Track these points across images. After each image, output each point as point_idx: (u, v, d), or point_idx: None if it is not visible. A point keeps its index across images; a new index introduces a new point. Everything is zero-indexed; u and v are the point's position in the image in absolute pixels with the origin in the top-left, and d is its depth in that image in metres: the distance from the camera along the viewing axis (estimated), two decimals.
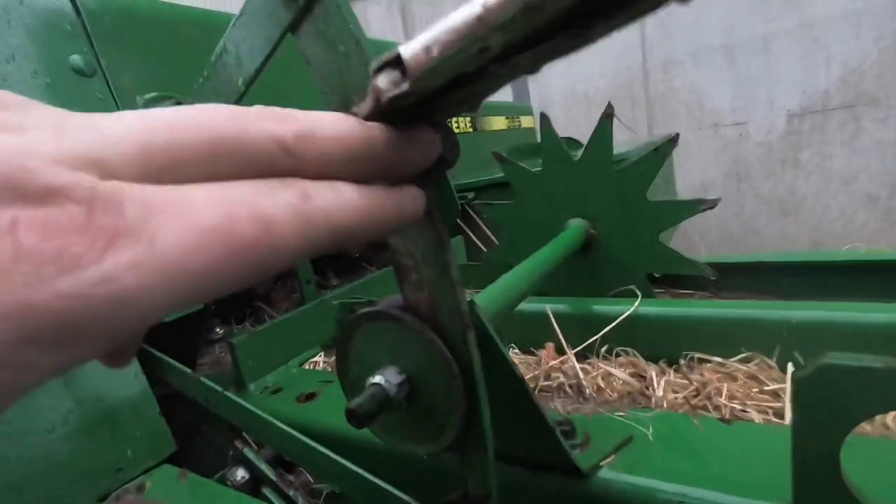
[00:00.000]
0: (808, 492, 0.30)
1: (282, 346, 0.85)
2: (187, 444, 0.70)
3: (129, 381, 0.62)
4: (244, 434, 0.71)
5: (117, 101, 0.69)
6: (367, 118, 0.24)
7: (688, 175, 3.60)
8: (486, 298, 0.52)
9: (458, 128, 2.63)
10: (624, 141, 3.59)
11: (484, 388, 0.35)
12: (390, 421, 0.38)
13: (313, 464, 0.56)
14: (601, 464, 0.44)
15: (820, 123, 3.16)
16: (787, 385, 0.49)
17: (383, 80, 0.24)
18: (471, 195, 1.60)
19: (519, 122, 3.36)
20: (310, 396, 0.73)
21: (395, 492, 0.48)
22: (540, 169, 0.79)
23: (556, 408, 0.54)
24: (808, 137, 3.20)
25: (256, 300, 1.13)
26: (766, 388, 0.50)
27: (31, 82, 0.61)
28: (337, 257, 1.28)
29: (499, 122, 3.10)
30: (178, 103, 0.73)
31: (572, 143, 3.55)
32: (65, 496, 0.54)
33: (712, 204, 0.69)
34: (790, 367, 0.51)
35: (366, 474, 0.50)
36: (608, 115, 0.72)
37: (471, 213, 1.45)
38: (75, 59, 0.66)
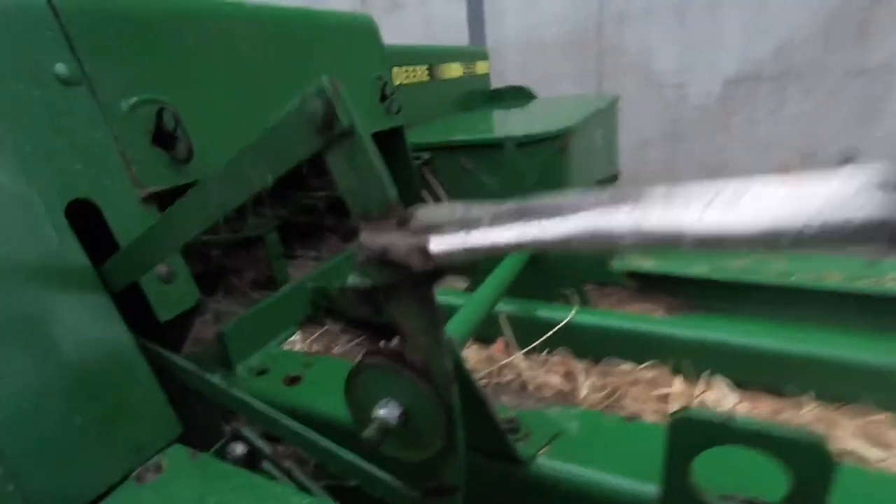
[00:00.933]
0: (672, 488, 0.47)
1: (264, 328, 0.95)
2: (182, 421, 0.80)
3: (141, 374, 0.70)
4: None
5: (103, 109, 0.71)
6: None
7: (630, 132, 3.77)
8: (457, 324, 0.64)
9: (415, 76, 2.61)
10: (572, 94, 3.65)
11: (461, 418, 0.48)
12: (390, 437, 0.51)
13: (303, 444, 0.69)
14: (537, 454, 0.60)
15: (752, 91, 3.38)
16: (673, 389, 0.67)
17: (415, 259, 0.34)
18: (426, 155, 1.67)
19: (474, 68, 3.34)
20: (294, 379, 0.84)
21: (374, 470, 0.62)
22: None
23: (505, 403, 0.69)
24: (739, 104, 3.43)
25: (227, 272, 1.20)
26: (659, 392, 0.67)
27: (16, 94, 0.62)
28: (300, 226, 1.34)
29: (455, 70, 3.08)
30: (162, 109, 0.75)
31: (522, 91, 3.59)
32: (93, 474, 0.64)
33: (615, 177, 0.82)
34: (678, 378, 0.69)
35: (347, 454, 0.63)
36: (612, 181, 0.82)
37: (427, 174, 1.52)
38: (60, 67, 0.66)
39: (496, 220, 0.31)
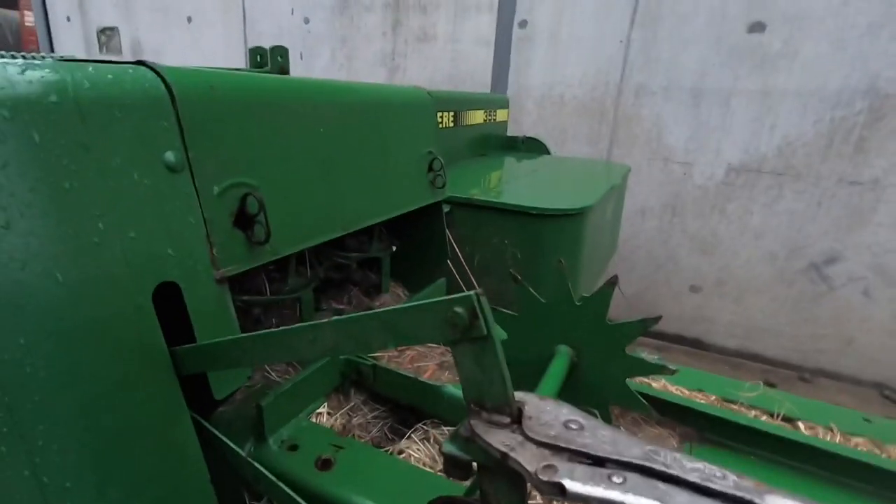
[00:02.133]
0: None
1: (296, 400, 0.97)
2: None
3: (195, 465, 0.72)
4: None
5: (199, 192, 0.74)
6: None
7: (633, 198, 3.91)
8: None
9: (441, 123, 2.69)
10: (586, 159, 3.77)
11: None
12: None
13: None
14: None
15: (751, 181, 3.55)
16: None
17: (546, 489, 0.38)
18: (447, 208, 1.73)
19: (495, 115, 3.45)
20: (326, 463, 0.87)
21: None
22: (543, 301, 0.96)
23: None
24: (738, 191, 3.60)
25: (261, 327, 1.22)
26: None
27: (130, 183, 0.65)
28: (328, 281, 1.37)
29: (478, 117, 3.18)
30: (249, 194, 0.79)
31: (537, 144, 3.70)
32: None
33: (656, 321, 0.88)
34: None
35: None
36: (612, 283, 0.89)
37: (455, 248, 1.58)
38: (169, 156, 0.69)
39: (632, 487, 0.36)
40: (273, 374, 1.12)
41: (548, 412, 0.47)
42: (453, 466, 0.50)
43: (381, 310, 0.49)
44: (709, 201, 3.69)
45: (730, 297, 3.78)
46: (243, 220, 0.81)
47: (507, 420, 0.46)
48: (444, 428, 0.99)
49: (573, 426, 0.44)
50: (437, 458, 0.91)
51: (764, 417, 1.03)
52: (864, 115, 3.15)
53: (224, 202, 0.78)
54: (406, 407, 1.08)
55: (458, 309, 0.44)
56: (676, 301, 3.90)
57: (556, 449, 0.42)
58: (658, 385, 1.11)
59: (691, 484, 0.36)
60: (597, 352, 0.93)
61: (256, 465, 0.74)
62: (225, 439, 0.74)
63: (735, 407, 1.07)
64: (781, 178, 3.45)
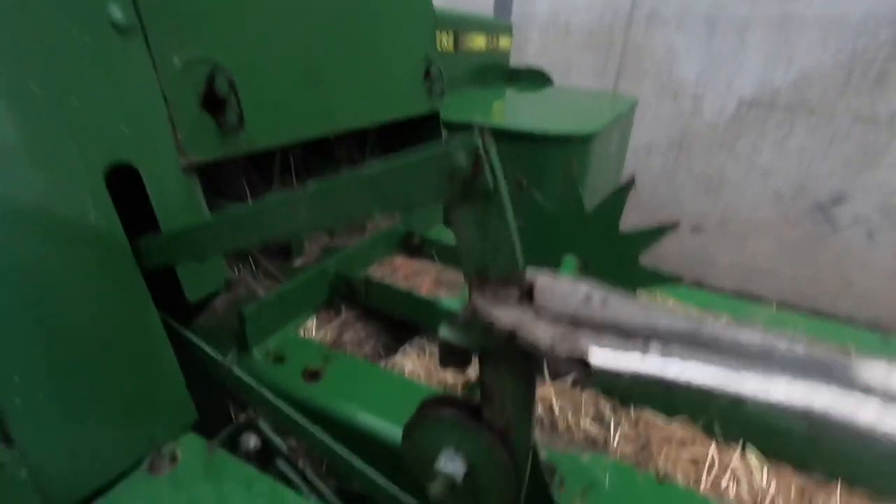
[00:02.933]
0: None
1: (282, 311, 0.91)
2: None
3: (165, 359, 0.66)
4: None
5: (156, 62, 0.63)
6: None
7: (640, 135, 3.76)
8: None
9: (440, 45, 2.51)
10: (591, 90, 3.59)
11: (525, 485, 0.47)
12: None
13: (322, 449, 0.67)
14: None
15: (763, 117, 3.40)
16: (709, 454, 0.68)
17: (566, 367, 0.31)
18: (447, 133, 1.62)
19: (497, 42, 3.24)
20: (314, 374, 0.81)
21: (393, 489, 0.61)
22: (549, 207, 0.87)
23: (537, 439, 0.69)
24: (748, 127, 3.45)
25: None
26: (690, 453, 0.68)
27: (68, 40, 0.54)
28: None
29: (479, 42, 2.99)
30: (216, 70, 0.69)
31: (541, 75, 3.52)
32: (106, 461, 0.60)
33: (674, 227, 0.80)
34: (712, 444, 0.70)
35: (367, 469, 0.62)
36: (628, 186, 0.80)
37: None
38: (115, 12, 0.58)
39: (677, 356, 0.28)
40: (259, 288, 1.05)
41: (564, 287, 0.39)
42: (450, 355, 0.43)
43: (364, 170, 0.41)
44: (717, 138, 3.54)
45: (732, 239, 3.71)
46: (212, 102, 0.70)
47: (515, 294, 0.39)
48: None
49: (596, 299, 0.37)
50: (432, 370, 0.86)
51: None
52: (888, 46, 2.96)
53: (188, 78, 0.67)
54: (400, 323, 1.02)
55: (459, 156, 0.35)
56: (677, 241, 3.84)
57: (576, 322, 0.34)
58: (667, 305, 1.05)
59: (752, 351, 0.28)
60: (607, 262, 0.85)
61: (237, 371, 0.68)
62: (201, 343, 0.67)
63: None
64: (794, 113, 3.29)
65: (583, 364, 0.30)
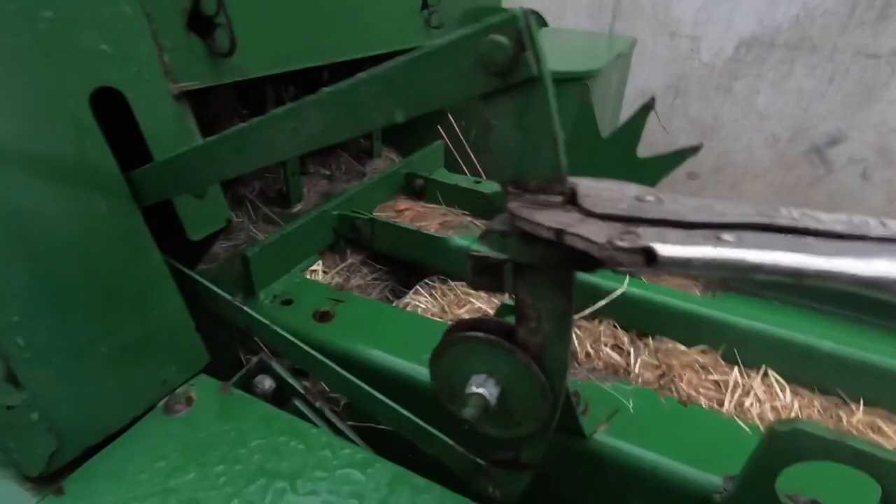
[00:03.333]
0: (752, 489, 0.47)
1: (287, 254, 0.87)
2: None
3: (170, 300, 0.63)
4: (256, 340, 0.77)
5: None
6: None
7: (636, 79, 3.65)
8: None
9: None
10: (586, 32, 3.46)
11: (560, 407, 0.46)
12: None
13: (342, 385, 0.65)
14: (598, 430, 0.60)
15: (762, 57, 3.31)
16: (731, 378, 0.67)
17: (629, 259, 0.28)
18: None
19: None
20: (325, 315, 0.79)
21: (429, 427, 0.60)
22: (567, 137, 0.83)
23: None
24: (747, 67, 3.36)
25: (236, 184, 1.09)
26: (712, 377, 0.68)
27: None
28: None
29: None
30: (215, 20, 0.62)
31: (534, 16, 3.41)
32: (118, 404, 0.59)
33: (696, 150, 0.77)
34: (734, 369, 0.69)
35: (389, 402, 0.60)
36: (647, 107, 0.75)
37: (449, 117, 1.41)
38: None
39: (753, 243, 0.26)
40: (260, 235, 1.01)
41: (611, 190, 0.36)
42: (482, 272, 0.40)
43: (384, 66, 0.36)
44: (714, 80, 3.45)
45: (726, 184, 3.69)
46: (199, 21, 0.64)
47: (558, 199, 0.36)
48: (452, 283, 0.90)
49: (649, 198, 0.34)
50: (446, 308, 0.84)
51: None
52: None
53: None
54: (408, 265, 1.00)
55: (498, 37, 0.31)
56: (672, 188, 3.80)
57: (632, 221, 0.31)
58: None
59: (837, 234, 0.26)
60: None
61: (247, 309, 0.65)
62: (206, 283, 0.64)
63: None
64: (795, 52, 3.20)
65: (649, 254, 0.27)
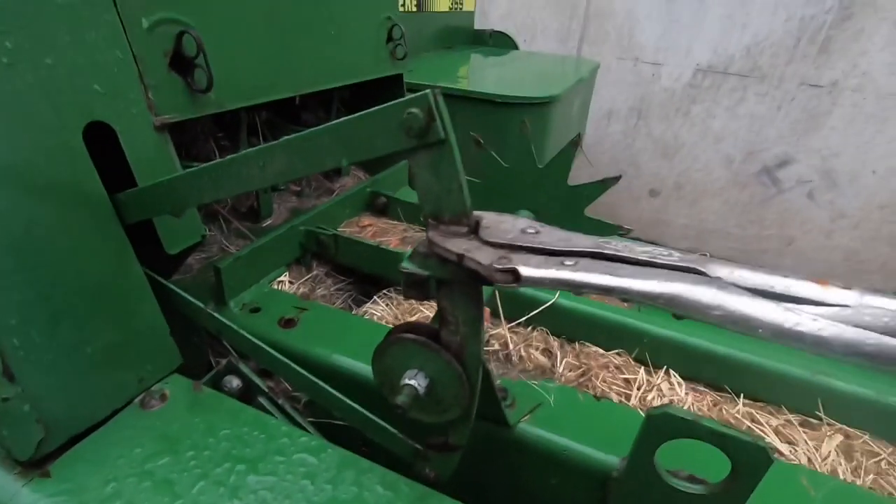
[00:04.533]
0: (637, 463, 0.58)
1: (256, 266, 0.96)
2: None
3: (148, 306, 0.71)
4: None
5: (124, 23, 0.65)
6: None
7: (600, 101, 3.85)
8: None
9: (403, 6, 2.50)
10: (555, 55, 3.62)
11: (477, 395, 0.56)
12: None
13: (301, 383, 0.74)
14: (521, 420, 0.70)
15: (717, 84, 3.53)
16: (639, 377, 0.79)
17: (500, 277, 0.39)
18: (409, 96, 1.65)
19: (461, 4, 3.24)
20: (289, 322, 0.88)
21: (376, 418, 0.69)
22: (507, 165, 0.94)
23: (493, 369, 0.78)
24: (703, 93, 3.59)
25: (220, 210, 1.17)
26: (623, 376, 0.79)
27: (42, 5, 0.57)
28: None
29: (443, 3, 2.98)
30: (184, 32, 0.71)
31: (505, 39, 3.53)
32: (99, 399, 0.66)
33: (616, 180, 0.89)
34: (642, 368, 0.81)
35: (345, 399, 0.70)
36: (574, 143, 0.87)
37: None
38: None
39: (583, 267, 0.36)
40: (232, 248, 1.09)
41: (506, 222, 0.47)
42: (411, 285, 0.50)
43: (333, 122, 0.46)
44: (674, 104, 3.67)
45: (686, 201, 3.90)
46: (181, 62, 0.73)
47: (464, 230, 0.46)
48: None
49: (530, 230, 0.45)
50: (399, 316, 0.94)
51: None
52: (833, 13, 3.10)
53: (156, 39, 0.70)
54: (369, 277, 1.09)
55: (414, 110, 0.42)
56: (636, 205, 4.01)
57: (511, 247, 0.42)
58: None
59: (639, 261, 0.37)
60: (556, 215, 0.94)
61: (218, 316, 0.73)
62: (181, 292, 0.73)
63: None
64: (746, 80, 3.43)
65: (514, 275, 0.38)
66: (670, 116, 3.76)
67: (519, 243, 0.42)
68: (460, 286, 0.49)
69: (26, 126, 0.57)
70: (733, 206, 3.84)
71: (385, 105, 0.43)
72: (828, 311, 0.29)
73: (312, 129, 0.48)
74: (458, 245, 0.44)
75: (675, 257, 0.36)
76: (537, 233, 0.44)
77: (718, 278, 0.33)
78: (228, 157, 0.54)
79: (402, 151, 0.44)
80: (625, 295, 0.34)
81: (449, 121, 0.43)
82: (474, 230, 0.46)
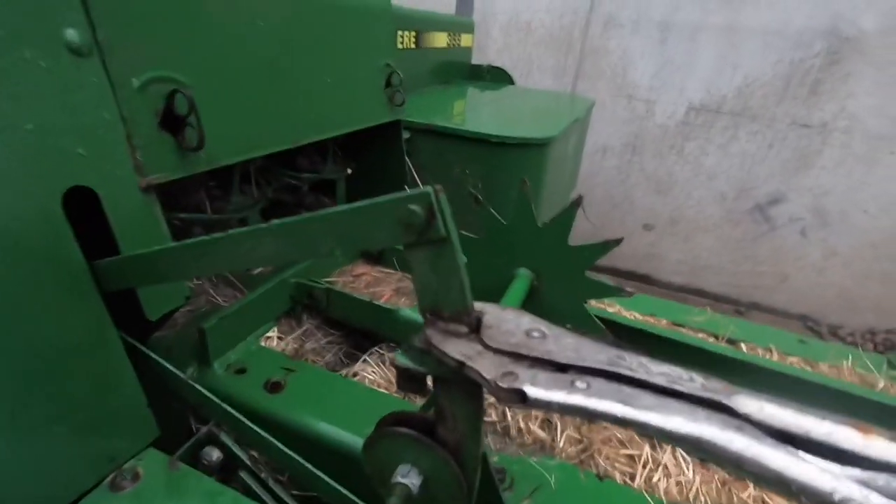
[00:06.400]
0: None
1: (244, 322, 0.92)
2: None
3: (126, 379, 0.67)
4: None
5: (113, 84, 0.63)
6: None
7: (596, 137, 3.89)
8: None
9: (402, 43, 2.52)
10: (550, 91, 3.67)
11: (475, 495, 0.52)
12: None
13: (284, 460, 0.69)
14: None
15: (709, 122, 3.59)
16: (643, 453, 0.75)
17: (506, 398, 0.35)
18: (406, 134, 1.64)
19: (459, 40, 3.28)
20: (276, 386, 0.84)
21: (354, 498, 0.65)
22: (505, 223, 0.92)
23: (489, 444, 0.74)
24: (696, 131, 3.64)
25: None
26: (626, 452, 0.75)
27: (21, 63, 0.54)
28: (278, 204, 1.28)
29: (441, 40, 3.01)
30: (176, 91, 0.69)
31: (502, 74, 3.57)
32: (66, 481, 0.61)
33: (617, 242, 0.86)
34: (646, 445, 0.77)
35: (328, 479, 0.65)
36: (576, 204, 0.85)
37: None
38: (71, 34, 0.58)
39: (596, 391, 0.33)
40: (219, 298, 1.05)
41: (509, 321, 0.44)
42: (407, 380, 0.47)
43: (328, 210, 0.44)
44: (668, 141, 3.71)
45: (680, 237, 3.91)
46: (171, 121, 0.71)
47: (465, 329, 0.43)
48: None
49: (535, 334, 0.42)
50: (392, 379, 0.89)
51: (710, 339, 1.07)
52: (821, 57, 3.18)
53: (146, 99, 0.68)
54: (361, 332, 1.05)
55: (414, 207, 0.39)
56: (630, 239, 4.01)
57: (516, 357, 0.39)
58: (613, 310, 1.13)
59: (658, 387, 0.34)
60: (557, 274, 0.91)
61: (196, 385, 0.69)
62: (159, 359, 0.68)
63: (684, 330, 1.10)
64: (738, 118, 3.49)
65: (520, 395, 0.34)
66: (664, 153, 3.80)
67: (524, 352, 0.39)
68: (460, 385, 0.46)
69: (2, 191, 0.54)
70: (727, 242, 3.85)
71: (383, 199, 0.40)
72: (877, 480, 0.25)
73: (305, 215, 0.45)
74: (458, 349, 0.41)
75: (696, 384, 0.33)
76: (543, 337, 0.41)
77: (747, 416, 0.30)
78: (216, 235, 0.51)
79: (403, 245, 0.42)
80: (643, 430, 0.31)
81: (451, 217, 0.40)
82: (475, 330, 0.43)
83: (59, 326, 0.59)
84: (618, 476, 0.72)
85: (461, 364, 0.40)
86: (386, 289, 1.11)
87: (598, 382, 0.35)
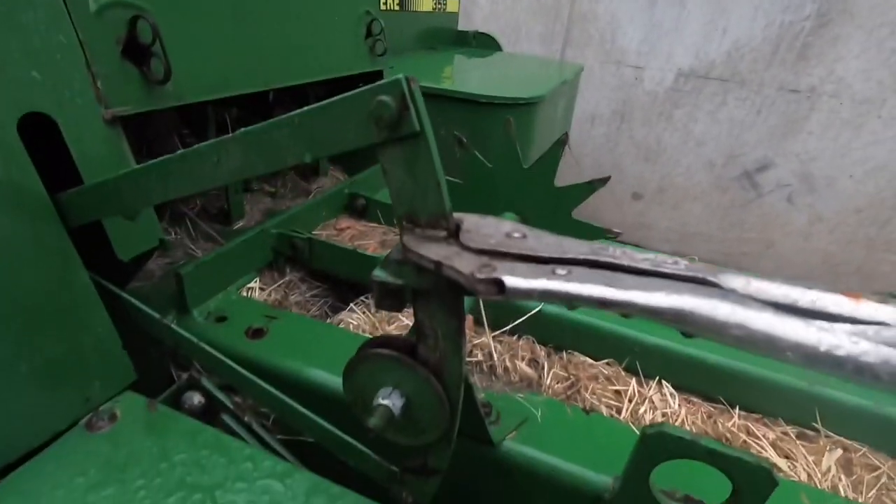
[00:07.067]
0: (631, 485, 0.54)
1: (223, 271, 0.89)
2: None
3: (97, 317, 0.64)
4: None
5: (69, 7, 0.59)
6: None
7: (584, 104, 3.84)
8: None
9: (385, 4, 2.45)
10: (538, 57, 3.61)
11: (458, 416, 0.51)
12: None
13: (269, 401, 0.68)
14: (506, 437, 0.65)
15: (698, 88, 3.56)
16: (630, 388, 0.74)
17: (483, 289, 0.34)
18: None
19: (444, 5, 3.21)
20: (258, 332, 0.82)
21: (349, 439, 0.64)
22: (491, 165, 0.89)
23: (475, 382, 0.73)
24: (685, 97, 3.60)
25: (175, 201, 1.10)
26: (613, 387, 0.75)
27: None
28: None
29: (426, 3, 2.94)
30: (138, 17, 0.65)
31: (489, 40, 3.51)
32: (37, 422, 0.59)
33: (604, 182, 0.85)
34: (633, 379, 0.77)
35: (318, 418, 0.64)
36: (561, 143, 0.83)
37: None
38: None
39: (577, 277, 0.32)
40: (198, 251, 1.03)
41: (488, 225, 0.42)
42: (384, 296, 0.45)
43: (295, 112, 0.41)
44: (656, 108, 3.68)
45: (668, 205, 3.91)
46: (135, 50, 0.67)
47: (443, 234, 0.41)
48: None
49: (516, 235, 0.40)
50: (377, 325, 0.88)
51: None
52: (811, 20, 3.14)
53: (106, 23, 0.64)
54: (346, 283, 1.03)
55: (385, 98, 0.36)
56: (619, 208, 4.01)
57: (495, 255, 0.37)
58: None
59: (642, 270, 0.32)
60: (543, 217, 0.89)
61: (174, 327, 0.67)
62: (135, 301, 0.66)
63: None
64: (726, 84, 3.46)
65: (498, 285, 0.33)
66: (653, 120, 3.77)
67: (504, 249, 0.37)
68: (439, 297, 0.44)
69: None
70: (715, 210, 3.86)
71: (351, 92, 0.38)
72: (866, 331, 0.24)
73: (271, 120, 0.42)
74: (435, 251, 0.39)
75: (681, 266, 0.32)
76: (524, 237, 0.39)
77: (734, 290, 0.29)
78: (179, 152, 0.48)
79: (372, 145, 0.39)
80: (626, 309, 0.30)
81: (425, 110, 0.38)
82: (454, 234, 0.41)
83: (21, 262, 0.57)
84: (604, 410, 0.72)
85: (438, 264, 0.38)
86: (371, 241, 1.09)
87: (580, 270, 0.33)
